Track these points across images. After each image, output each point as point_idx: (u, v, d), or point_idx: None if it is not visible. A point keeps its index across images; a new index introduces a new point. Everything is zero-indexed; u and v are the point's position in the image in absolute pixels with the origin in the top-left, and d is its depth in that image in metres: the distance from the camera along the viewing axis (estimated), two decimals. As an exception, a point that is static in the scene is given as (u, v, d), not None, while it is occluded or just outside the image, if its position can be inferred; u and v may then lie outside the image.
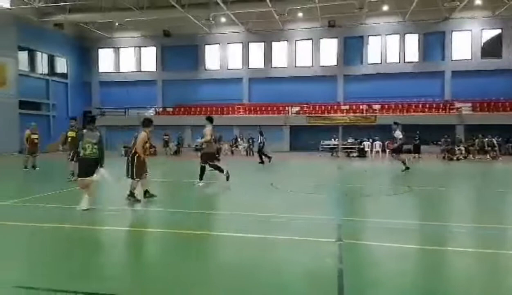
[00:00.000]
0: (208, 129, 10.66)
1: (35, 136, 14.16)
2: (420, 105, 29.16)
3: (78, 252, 4.94)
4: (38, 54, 31.42)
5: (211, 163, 10.81)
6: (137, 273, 4.28)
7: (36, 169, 13.89)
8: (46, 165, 16.21)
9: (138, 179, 8.03)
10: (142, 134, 8.03)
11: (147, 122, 8.30)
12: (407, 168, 13.96)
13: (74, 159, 10.54)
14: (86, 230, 5.98)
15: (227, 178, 10.63)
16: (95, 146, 7.37)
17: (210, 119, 11.06)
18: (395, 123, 14.62)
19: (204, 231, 6.12)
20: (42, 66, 32.01)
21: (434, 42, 30.37)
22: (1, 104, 26.13)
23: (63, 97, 33.62)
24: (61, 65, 33.83)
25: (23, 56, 29.67)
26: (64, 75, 33.98)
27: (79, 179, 7.48)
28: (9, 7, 26.97)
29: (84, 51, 35.65)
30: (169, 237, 5.80)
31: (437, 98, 29.98)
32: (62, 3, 27.20)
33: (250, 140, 25.57)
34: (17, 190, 10.52)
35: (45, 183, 11.29)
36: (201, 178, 10.60)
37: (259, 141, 18.99)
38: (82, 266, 4.39)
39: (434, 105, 29.08)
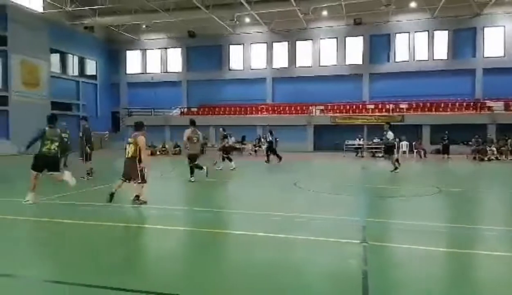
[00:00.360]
0: (187, 131, 11.33)
1: (65, 135, 14.66)
2: (450, 104, 28.27)
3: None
4: (69, 56, 32.55)
5: (191, 163, 11.27)
6: (162, 268, 4.36)
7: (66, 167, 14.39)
8: (74, 164, 16.74)
9: (144, 182, 7.62)
10: (142, 139, 7.65)
11: (140, 125, 8.03)
12: (396, 168, 13.96)
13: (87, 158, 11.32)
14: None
15: (206, 175, 11.29)
16: (56, 143, 7.57)
17: (192, 122, 11.71)
18: (387, 124, 14.92)
19: (227, 230, 6.18)
20: (72, 68, 33.15)
21: (465, 39, 29.37)
22: (35, 105, 27.24)
23: (92, 98, 34.72)
24: (91, 67, 34.92)
25: (55, 58, 30.82)
26: (93, 77, 35.08)
27: (33, 172, 7.56)
28: (42, 11, 28.09)
29: (113, 53, 36.66)
30: (192, 235, 5.88)
31: (468, 96, 28.98)
32: (92, 7, 28.07)
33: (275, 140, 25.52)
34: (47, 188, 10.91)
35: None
36: (191, 174, 11.30)
37: (268, 140, 19.15)
38: (113, 262, 4.53)
39: (464, 104, 28.12)
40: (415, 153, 23.55)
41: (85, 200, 8.29)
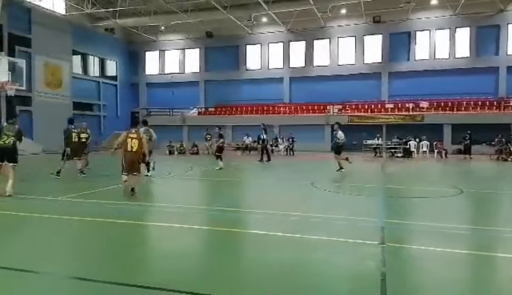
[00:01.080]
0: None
1: (84, 135, 15.02)
2: (472, 103, 27.58)
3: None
4: (90, 57, 33.27)
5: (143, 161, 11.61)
6: (180, 266, 4.42)
7: (87, 167, 14.71)
8: (97, 163, 17.10)
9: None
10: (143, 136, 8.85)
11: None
12: (341, 168, 13.87)
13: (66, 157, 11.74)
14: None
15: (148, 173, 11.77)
16: (12, 138, 8.38)
17: (143, 122, 12.21)
18: (337, 123, 14.96)
19: (244, 229, 6.20)
20: (93, 68, 33.88)
21: (488, 36, 28.57)
22: (58, 105, 27.97)
23: (112, 98, 35.40)
24: (111, 67, 35.61)
25: (76, 59, 31.56)
26: (113, 78, 35.75)
27: None
28: (64, 13, 28.82)
29: (132, 54, 37.29)
30: (209, 234, 5.92)
31: (491, 95, 28.19)
32: (112, 8, 28.63)
33: (290, 140, 25.48)
34: (70, 186, 11.20)
35: (95, 179, 11.92)
36: (148, 170, 11.83)
37: (262, 138, 19.34)
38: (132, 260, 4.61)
39: (487, 103, 27.37)
40: (435, 153, 23.08)
41: (99, 198, 8.46)
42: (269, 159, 18.81)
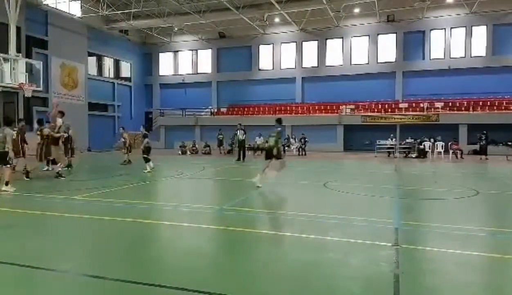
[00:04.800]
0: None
1: (125, 135, 16.28)
2: (488, 103, 27.04)
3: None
4: (105, 58, 33.78)
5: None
6: (192, 265, 4.46)
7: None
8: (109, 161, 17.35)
9: None
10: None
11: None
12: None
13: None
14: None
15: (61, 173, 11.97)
16: (1, 144, 9.19)
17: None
18: (240, 124, 15.19)
19: (259, 230, 6.22)
20: (108, 70, 34.38)
21: (506, 35, 27.98)
22: (73, 106, 28.46)
23: (127, 99, 35.88)
24: (126, 69, 36.08)
25: (92, 61, 32.07)
26: (128, 79, 36.22)
27: None
28: (80, 16, 29.32)
29: (146, 55, 37.73)
30: (221, 234, 5.96)
31: (508, 95, 27.60)
32: (127, 10, 29.01)
33: (302, 140, 25.40)
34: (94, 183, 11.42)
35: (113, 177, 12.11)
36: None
37: (239, 139, 19.67)
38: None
39: (504, 103, 26.81)
40: (450, 153, 22.72)
41: (116, 197, 8.60)
42: (243, 159, 19.23)
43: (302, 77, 33.11)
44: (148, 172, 13.34)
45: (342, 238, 5.43)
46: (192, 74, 36.79)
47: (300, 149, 25.32)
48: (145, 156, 13.72)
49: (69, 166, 14.13)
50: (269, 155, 10.41)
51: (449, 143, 23.13)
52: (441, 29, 29.45)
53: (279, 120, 11.00)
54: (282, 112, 31.47)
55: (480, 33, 28.61)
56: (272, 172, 10.54)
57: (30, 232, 5.85)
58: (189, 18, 29.75)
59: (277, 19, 31.66)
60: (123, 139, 16.82)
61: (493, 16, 27.81)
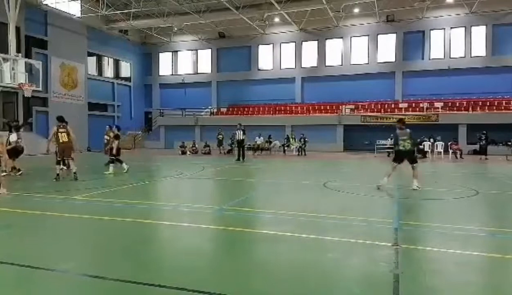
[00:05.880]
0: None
1: (110, 134, 15.42)
2: (488, 103, 27.08)
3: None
4: (105, 58, 33.78)
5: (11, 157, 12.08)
6: (192, 265, 4.46)
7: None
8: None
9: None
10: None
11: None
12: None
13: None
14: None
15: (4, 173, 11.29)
16: None
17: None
18: (240, 124, 15.50)
19: (259, 230, 6.22)
20: (108, 70, 34.38)
21: (505, 35, 28.01)
22: (73, 105, 28.47)
23: (127, 99, 35.91)
24: (126, 69, 36.11)
25: (91, 61, 32.07)
26: (128, 79, 36.24)
27: None
28: (80, 16, 29.32)
29: (146, 55, 37.75)
30: (219, 233, 5.96)
31: (508, 95, 27.63)
32: (126, 10, 29.00)
33: (302, 140, 25.42)
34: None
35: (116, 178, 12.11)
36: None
37: (239, 139, 19.69)
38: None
39: (504, 103, 26.82)
40: (450, 153, 22.72)
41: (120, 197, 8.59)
42: (243, 159, 19.33)
43: (302, 77, 33.12)
44: (110, 173, 12.71)
45: (342, 238, 5.43)
46: (192, 74, 36.80)
47: (300, 149, 25.32)
48: (114, 157, 13.06)
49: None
50: (401, 159, 10.06)
51: (449, 143, 23.14)
52: (441, 29, 29.47)
53: (402, 121, 10.05)
54: (282, 112, 31.52)
55: (480, 33, 28.63)
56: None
57: (29, 232, 5.84)
58: (188, 18, 29.77)
59: (276, 19, 31.67)
60: (106, 138, 14.97)
61: (492, 16, 27.83)
